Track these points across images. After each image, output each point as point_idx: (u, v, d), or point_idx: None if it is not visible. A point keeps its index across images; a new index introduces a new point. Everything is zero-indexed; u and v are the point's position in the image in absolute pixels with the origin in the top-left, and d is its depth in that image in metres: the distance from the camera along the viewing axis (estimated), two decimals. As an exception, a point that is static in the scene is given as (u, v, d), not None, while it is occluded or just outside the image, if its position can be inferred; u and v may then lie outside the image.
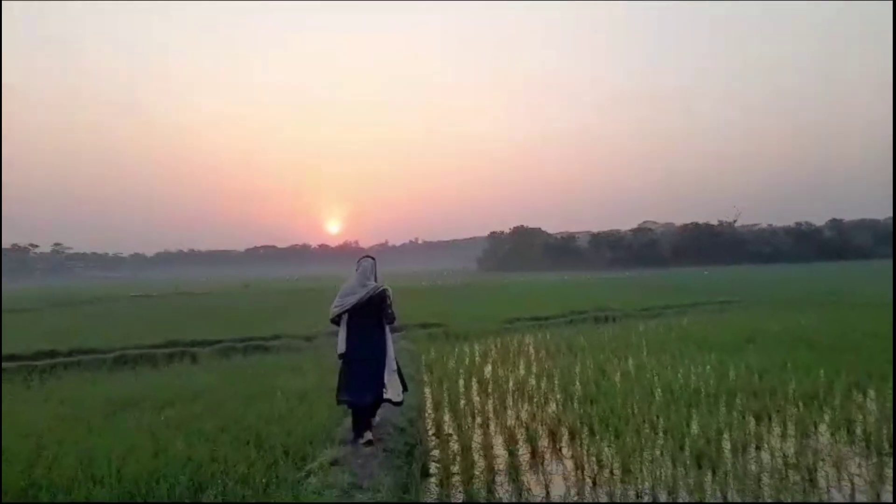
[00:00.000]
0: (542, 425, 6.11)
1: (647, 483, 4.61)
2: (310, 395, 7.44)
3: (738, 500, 4.31)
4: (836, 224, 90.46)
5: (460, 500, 4.53)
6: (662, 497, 4.42)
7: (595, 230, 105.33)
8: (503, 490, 4.64)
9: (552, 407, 6.98)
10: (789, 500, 4.18)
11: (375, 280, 5.60)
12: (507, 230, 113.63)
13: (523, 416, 6.61)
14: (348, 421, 5.88)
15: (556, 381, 8.21)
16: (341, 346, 5.46)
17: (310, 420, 6.19)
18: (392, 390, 5.44)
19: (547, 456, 5.35)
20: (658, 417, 6.18)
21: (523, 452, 5.39)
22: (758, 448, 5.36)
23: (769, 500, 4.27)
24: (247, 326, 15.56)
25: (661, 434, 5.75)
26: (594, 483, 4.68)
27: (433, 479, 4.88)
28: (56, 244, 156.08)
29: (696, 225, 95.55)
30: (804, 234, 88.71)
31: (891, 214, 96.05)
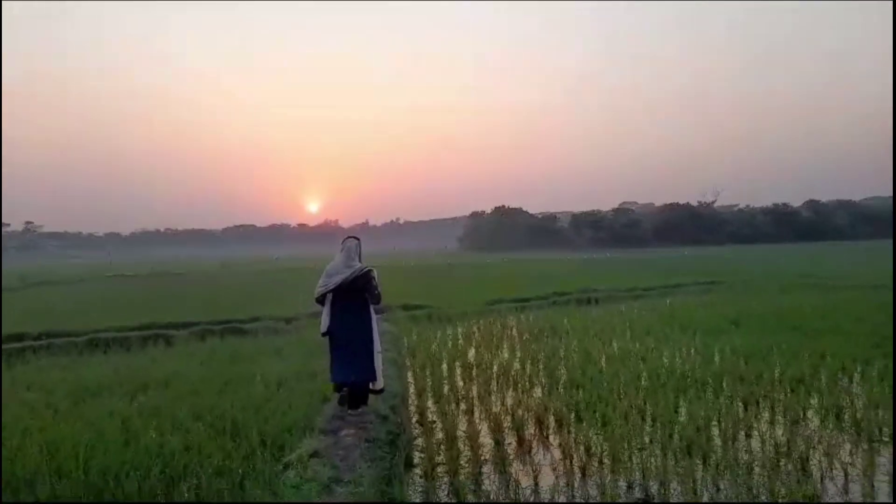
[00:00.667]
0: (528, 412, 5.96)
1: (637, 473, 4.48)
2: (289, 381, 7.23)
3: (733, 494, 4.20)
4: (813, 205, 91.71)
5: (445, 494, 4.36)
6: (654, 487, 4.29)
7: (575, 210, 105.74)
8: (490, 482, 4.48)
9: (538, 392, 6.85)
10: (784, 492, 4.06)
11: (360, 260, 5.59)
12: (488, 210, 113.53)
13: (509, 402, 6.46)
14: (329, 409, 5.69)
15: (540, 366, 8.08)
16: (324, 325, 5.47)
17: (289, 408, 5.97)
18: (379, 376, 5.50)
19: (534, 445, 5.20)
20: (646, 404, 6.07)
21: (510, 441, 5.23)
22: (748, 436, 5.26)
23: (768, 499, 4.16)
24: (225, 308, 15.24)
25: (649, 421, 5.64)
26: (583, 474, 4.55)
27: (417, 471, 4.71)
28: (28, 222, 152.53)
29: (676, 205, 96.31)
30: (782, 215, 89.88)
31: (867, 196, 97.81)
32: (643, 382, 6.94)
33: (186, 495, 4.29)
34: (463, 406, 6.42)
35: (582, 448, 4.94)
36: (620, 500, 4.13)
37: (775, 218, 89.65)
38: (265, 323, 12.69)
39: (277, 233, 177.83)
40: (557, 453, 4.96)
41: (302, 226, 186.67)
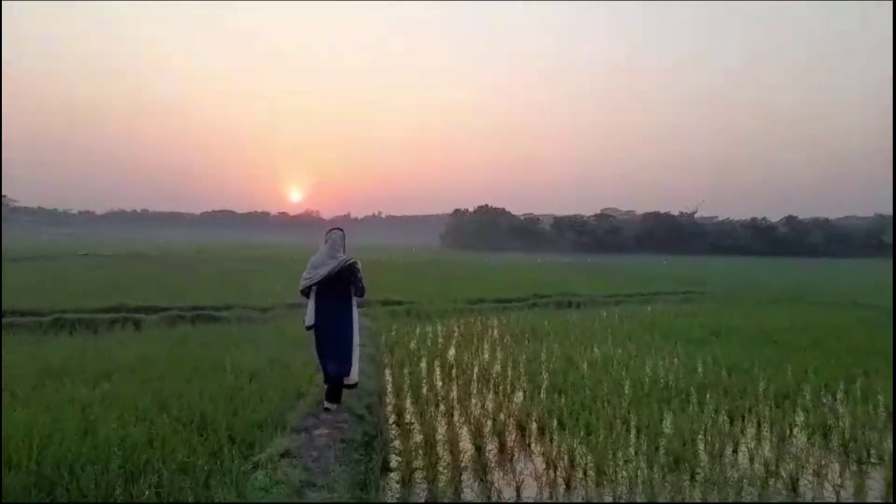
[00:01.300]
0: (509, 417, 5.77)
1: (624, 487, 4.30)
2: (262, 373, 6.93)
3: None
4: (791, 221, 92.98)
5: (423, 500, 4.13)
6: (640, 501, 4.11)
7: (558, 214, 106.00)
8: (471, 490, 4.27)
9: (519, 397, 6.66)
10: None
11: (344, 252, 5.62)
12: (471, 209, 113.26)
13: (489, 405, 6.25)
14: (302, 405, 5.44)
15: (521, 369, 7.89)
16: (310, 319, 5.49)
17: (260, 401, 5.69)
18: (353, 371, 5.54)
19: (516, 452, 5.00)
20: (630, 413, 5.90)
21: (491, 447, 5.02)
22: (735, 451, 5.12)
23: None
24: (198, 294, 14.81)
25: (634, 432, 5.47)
26: (567, 485, 4.35)
27: (394, 475, 4.46)
28: (2, 195, 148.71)
29: (658, 214, 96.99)
30: (760, 229, 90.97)
31: (842, 215, 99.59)
32: (626, 391, 6.78)
33: (147, 493, 4.01)
34: (442, 408, 6.20)
35: (566, 458, 4.74)
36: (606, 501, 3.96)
37: (753, 231, 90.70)
38: (239, 311, 12.33)
39: (257, 220, 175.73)
40: (540, 462, 4.77)
41: (282, 214, 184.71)
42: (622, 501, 4.16)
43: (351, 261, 5.48)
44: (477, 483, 4.38)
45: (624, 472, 4.53)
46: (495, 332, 11.24)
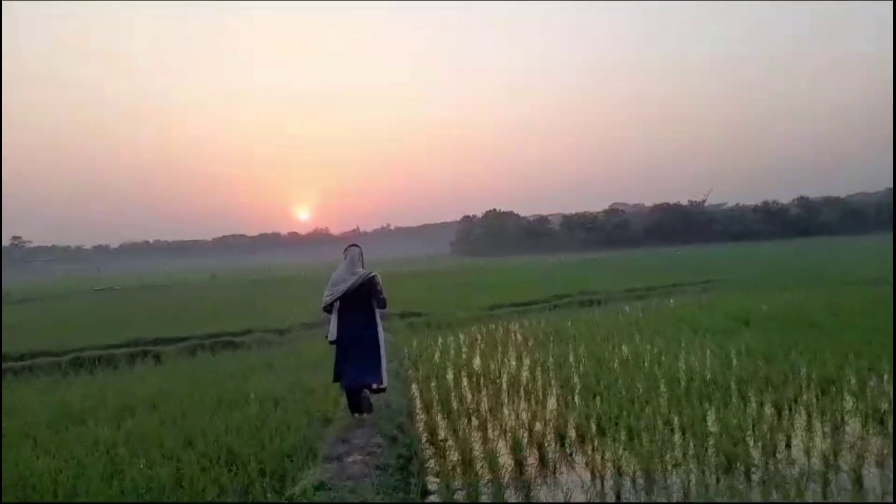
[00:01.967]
0: (546, 426, 5.54)
1: (678, 494, 4.06)
2: (285, 399, 6.76)
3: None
4: (803, 201, 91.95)
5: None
6: (697, 511, 3.88)
7: (566, 212, 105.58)
8: (515, 510, 4.05)
9: (552, 403, 6.42)
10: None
11: (363, 267, 5.77)
12: (479, 214, 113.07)
13: (523, 415, 6.02)
14: (331, 432, 5.25)
15: (551, 373, 7.66)
16: (333, 334, 5.64)
17: (287, 429, 5.51)
18: (383, 376, 5.66)
19: (558, 464, 4.77)
20: (671, 413, 5.66)
21: (531, 461, 4.80)
22: (787, 445, 4.86)
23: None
24: (215, 321, 14.71)
25: (678, 433, 5.22)
26: (618, 497, 4.12)
27: (434, 499, 4.25)
28: (15, 237, 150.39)
29: (667, 205, 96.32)
30: (771, 213, 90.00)
31: (852, 192, 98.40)
32: (663, 389, 6.53)
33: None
34: (475, 421, 5.98)
35: (611, 466, 4.52)
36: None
37: (765, 215, 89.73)
38: (257, 335, 12.19)
39: (268, 242, 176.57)
40: (586, 474, 4.54)
41: (293, 234, 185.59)
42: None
43: (371, 274, 5.63)
44: (521, 499, 4.16)
45: (675, 478, 4.29)
46: (518, 336, 11.00)
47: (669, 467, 4.46)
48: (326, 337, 5.84)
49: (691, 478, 4.24)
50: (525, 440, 5.18)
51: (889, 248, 32.55)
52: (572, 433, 5.33)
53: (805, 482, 4.07)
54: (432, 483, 4.45)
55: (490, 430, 5.68)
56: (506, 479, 4.45)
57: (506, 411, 6.26)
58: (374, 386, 5.62)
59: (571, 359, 8.47)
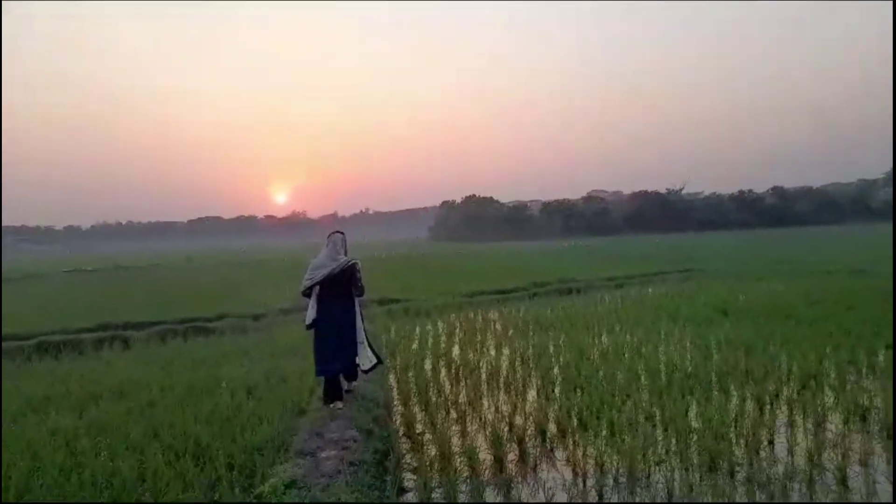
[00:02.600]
0: (526, 420, 5.41)
1: (661, 493, 3.96)
2: (259, 388, 6.55)
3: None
4: (777, 191, 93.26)
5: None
6: (681, 511, 3.77)
7: (546, 199, 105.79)
8: (495, 509, 3.90)
9: (532, 396, 6.30)
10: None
11: (345, 254, 5.80)
12: (458, 199, 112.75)
13: (503, 408, 5.89)
14: (304, 424, 5.06)
15: (531, 364, 7.54)
16: (310, 317, 5.70)
17: (259, 421, 5.30)
18: (361, 359, 5.79)
19: (539, 460, 4.63)
20: (653, 407, 5.56)
21: (511, 456, 4.66)
22: (770, 443, 4.79)
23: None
24: (189, 305, 14.36)
25: (660, 428, 5.12)
26: (600, 496, 4.00)
27: (410, 497, 4.09)
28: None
29: (645, 193, 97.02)
30: (747, 202, 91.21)
31: (825, 182, 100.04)
32: (644, 382, 6.44)
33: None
34: (454, 414, 5.83)
35: (593, 463, 4.40)
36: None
37: (741, 204, 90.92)
38: (232, 321, 11.90)
39: (244, 225, 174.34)
40: (567, 471, 4.41)
41: (269, 217, 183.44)
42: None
43: (352, 262, 5.66)
44: (501, 500, 4.02)
45: (659, 476, 4.19)
46: (498, 325, 10.88)
47: (653, 465, 4.36)
48: (304, 321, 5.89)
49: (675, 476, 4.13)
50: (505, 434, 5.04)
51: (865, 240, 33.14)
52: (553, 427, 5.20)
53: (790, 482, 3.99)
54: (409, 480, 4.28)
55: (469, 424, 5.53)
56: (485, 476, 4.31)
57: (485, 403, 6.12)
58: (360, 366, 5.78)
59: (552, 349, 8.36)
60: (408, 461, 4.60)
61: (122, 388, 6.92)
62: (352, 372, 6.01)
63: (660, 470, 4.29)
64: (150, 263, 43.53)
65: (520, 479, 4.31)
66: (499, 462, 4.50)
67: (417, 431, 5.30)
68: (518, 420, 5.42)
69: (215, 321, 11.93)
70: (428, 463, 4.46)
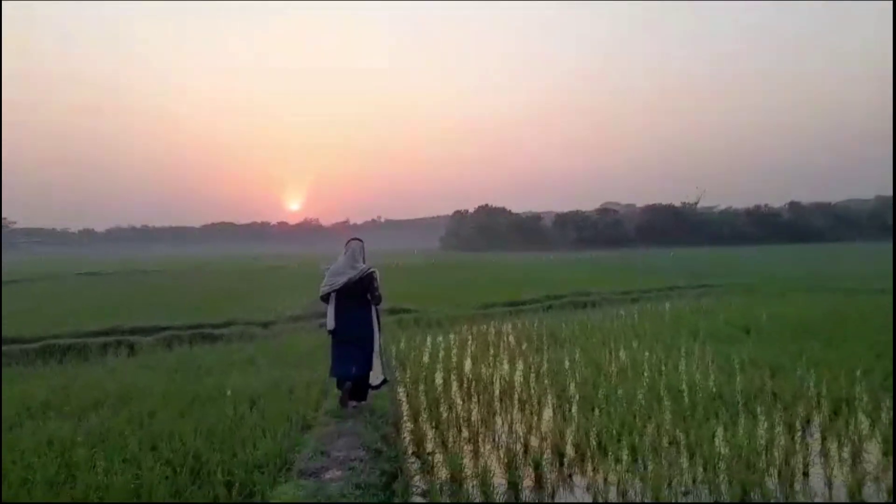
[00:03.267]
0: (542, 441, 5.13)
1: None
2: (263, 399, 6.30)
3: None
4: (794, 206, 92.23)
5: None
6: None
7: (559, 210, 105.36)
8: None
9: (548, 415, 6.01)
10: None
11: (364, 261, 5.86)
12: (471, 209, 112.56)
13: (518, 427, 5.61)
14: (309, 441, 4.80)
15: (546, 381, 7.25)
16: (330, 323, 5.75)
17: (262, 435, 5.06)
18: (374, 374, 5.77)
19: (557, 487, 4.35)
20: (675, 430, 5.26)
21: (527, 481, 4.38)
22: (805, 474, 4.47)
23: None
24: (197, 311, 14.21)
25: (685, 454, 4.81)
26: (624, 529, 3.71)
27: (419, 525, 3.82)
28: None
29: (659, 206, 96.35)
30: (763, 217, 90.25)
31: (843, 198, 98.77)
32: (666, 402, 6.13)
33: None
34: (465, 432, 5.55)
35: (614, 491, 4.11)
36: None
37: (757, 219, 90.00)
38: (239, 328, 11.70)
39: (258, 231, 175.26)
40: (587, 499, 4.12)
41: (282, 224, 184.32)
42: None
43: (370, 270, 5.77)
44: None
45: (686, 508, 3.89)
46: (511, 338, 10.60)
47: (679, 495, 4.06)
48: (325, 326, 6.03)
49: (704, 508, 3.84)
50: (520, 457, 4.77)
51: (885, 258, 32.47)
52: (571, 450, 4.91)
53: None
54: (419, 505, 4.02)
55: (482, 443, 5.26)
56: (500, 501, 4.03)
57: (499, 422, 5.85)
58: (370, 382, 5.77)
59: (567, 364, 8.08)
60: (417, 484, 4.33)
61: (124, 395, 6.71)
62: (363, 387, 5.84)
63: (687, 501, 4.00)
64: (161, 267, 43.65)
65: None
66: (514, 487, 4.22)
67: (428, 451, 5.04)
68: (533, 441, 5.14)
69: (223, 328, 11.74)
70: (438, 487, 4.19)
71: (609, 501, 3.83)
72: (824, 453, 4.88)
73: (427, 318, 13.07)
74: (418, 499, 4.09)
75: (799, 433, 5.26)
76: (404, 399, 6.72)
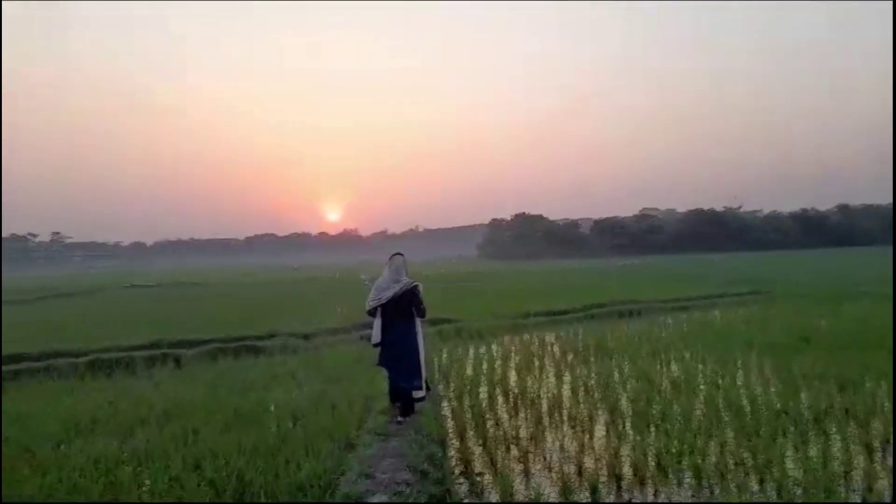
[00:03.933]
0: (597, 462, 4.86)
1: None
2: (306, 416, 6.18)
3: None
4: (843, 209, 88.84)
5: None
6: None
7: (596, 217, 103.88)
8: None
9: (601, 432, 5.72)
10: None
11: (406, 275, 5.97)
12: (508, 217, 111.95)
13: (569, 445, 5.35)
14: (353, 462, 4.63)
15: (595, 394, 6.95)
16: (376, 337, 5.89)
17: (305, 454, 4.92)
18: (418, 386, 5.80)
19: (616, 512, 4.08)
20: (740, 449, 4.91)
21: (584, 506, 4.12)
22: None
23: None
24: (240, 322, 14.30)
25: (754, 477, 4.47)
26: (694, 562, 3.42)
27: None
28: (55, 233, 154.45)
29: (701, 211, 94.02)
30: (811, 220, 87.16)
31: (887, 201, 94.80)
32: (727, 419, 5.78)
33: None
34: (514, 451, 5.32)
35: (679, 518, 3.82)
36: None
37: (803, 223, 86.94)
38: (282, 340, 11.69)
39: (298, 242, 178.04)
40: (651, 528, 3.85)
41: (322, 234, 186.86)
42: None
43: (413, 285, 5.88)
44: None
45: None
46: (555, 349, 10.30)
47: (752, 524, 3.75)
48: (370, 339, 6.07)
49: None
50: (574, 478, 4.51)
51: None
52: (629, 471, 4.63)
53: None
54: (469, 532, 3.80)
55: (532, 463, 5.01)
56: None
57: (549, 439, 5.59)
58: (413, 395, 5.79)
59: (617, 377, 7.76)
60: (467, 508, 4.12)
61: (169, 410, 6.70)
62: (408, 401, 5.80)
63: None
64: (206, 279, 44.55)
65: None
66: (570, 514, 3.97)
67: (476, 471, 4.82)
68: (587, 461, 4.87)
69: (265, 339, 11.75)
70: (490, 512, 3.98)
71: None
72: (911, 477, 4.48)
73: (468, 328, 12.85)
74: (469, 525, 3.88)
75: (879, 454, 4.86)
76: (449, 415, 6.52)
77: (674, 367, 8.37)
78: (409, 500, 3.79)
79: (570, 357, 9.39)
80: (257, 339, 11.78)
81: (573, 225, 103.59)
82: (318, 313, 15.87)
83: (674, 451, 4.85)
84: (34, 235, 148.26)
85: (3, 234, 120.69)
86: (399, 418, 5.68)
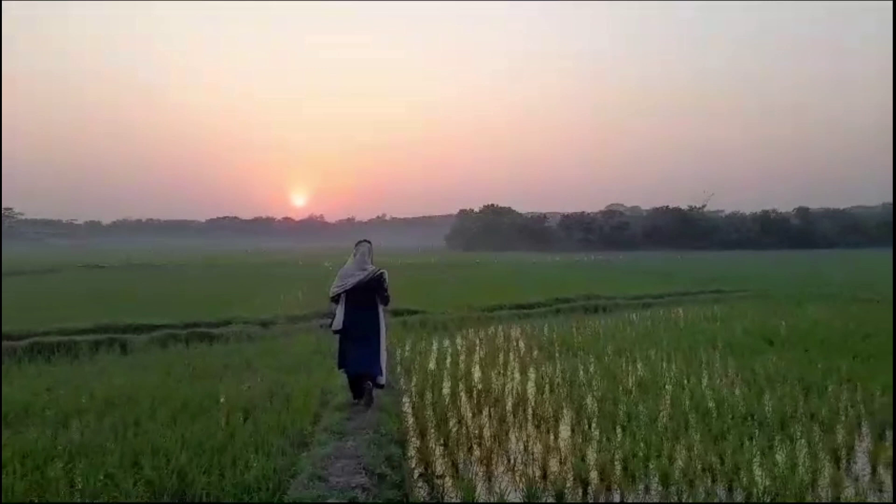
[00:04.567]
0: (562, 464, 4.67)
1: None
2: (257, 409, 5.85)
3: None
4: (802, 212, 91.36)
5: None
6: None
7: (564, 211, 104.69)
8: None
9: (566, 433, 5.54)
10: None
11: (372, 263, 5.96)
12: (476, 208, 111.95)
13: (534, 447, 5.15)
14: (307, 461, 4.34)
15: (561, 392, 6.79)
16: (338, 323, 5.84)
17: (255, 453, 4.60)
18: (382, 372, 5.85)
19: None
20: (707, 454, 4.78)
21: (548, 513, 3.91)
22: (860, 511, 4.00)
23: None
24: (195, 308, 13.75)
25: (722, 483, 4.34)
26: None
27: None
28: (7, 208, 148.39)
29: (666, 209, 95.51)
30: (771, 222, 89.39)
31: (853, 204, 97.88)
32: (693, 422, 5.66)
33: None
34: (477, 452, 5.09)
35: (648, 528, 3.65)
36: None
37: (764, 224, 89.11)
38: (238, 327, 11.24)
39: (262, 226, 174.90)
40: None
41: (287, 220, 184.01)
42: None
43: (379, 272, 5.87)
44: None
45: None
46: (521, 344, 10.14)
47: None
48: (331, 326, 5.98)
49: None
50: (538, 481, 4.31)
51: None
52: (594, 475, 4.45)
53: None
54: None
55: (496, 465, 4.79)
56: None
57: (513, 440, 5.39)
58: (377, 381, 5.76)
59: (582, 375, 7.61)
60: (425, 515, 3.88)
61: (111, 399, 6.27)
62: (362, 376, 5.76)
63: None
64: (164, 261, 43.25)
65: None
66: (534, 522, 3.76)
67: (437, 474, 4.58)
68: (553, 464, 4.68)
69: (221, 326, 11.29)
70: (449, 519, 3.74)
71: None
72: (878, 487, 4.40)
73: (432, 320, 12.61)
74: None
75: (844, 462, 4.79)
76: (410, 412, 6.25)
77: (639, 366, 8.27)
78: (363, 507, 3.52)
79: (535, 353, 9.23)
80: (212, 326, 11.31)
81: (541, 218, 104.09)
82: (278, 300, 15.41)
83: (640, 454, 4.69)
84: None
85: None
86: (354, 400, 5.75)
